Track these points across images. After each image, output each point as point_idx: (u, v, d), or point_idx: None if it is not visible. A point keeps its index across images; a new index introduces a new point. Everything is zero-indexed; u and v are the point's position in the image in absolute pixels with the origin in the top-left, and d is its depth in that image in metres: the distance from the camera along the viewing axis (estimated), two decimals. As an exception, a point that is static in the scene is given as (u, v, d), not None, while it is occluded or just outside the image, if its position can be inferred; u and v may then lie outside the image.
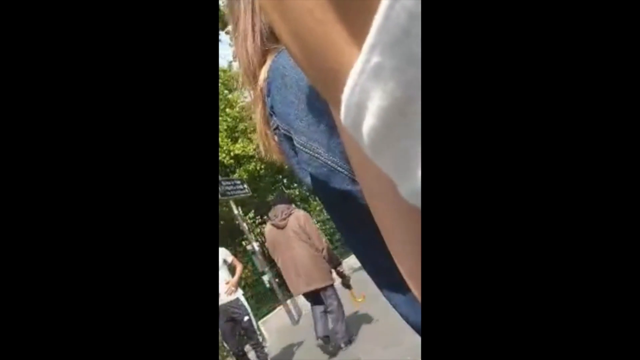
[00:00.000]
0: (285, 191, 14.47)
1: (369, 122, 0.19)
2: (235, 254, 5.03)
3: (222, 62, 15.03)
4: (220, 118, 12.70)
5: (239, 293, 4.53)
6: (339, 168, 0.48)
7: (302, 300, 8.11)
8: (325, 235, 4.44)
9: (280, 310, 7.64)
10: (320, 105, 0.48)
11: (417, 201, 0.20)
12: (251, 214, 11.92)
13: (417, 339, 0.43)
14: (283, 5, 0.21)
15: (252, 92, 0.60)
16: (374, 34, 0.17)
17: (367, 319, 4.83)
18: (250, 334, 4.49)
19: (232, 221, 11.56)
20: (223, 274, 4.45)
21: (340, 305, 4.48)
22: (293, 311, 7.60)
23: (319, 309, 4.55)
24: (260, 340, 4.67)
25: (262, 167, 13.63)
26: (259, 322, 5.27)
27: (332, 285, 4.50)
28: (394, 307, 0.57)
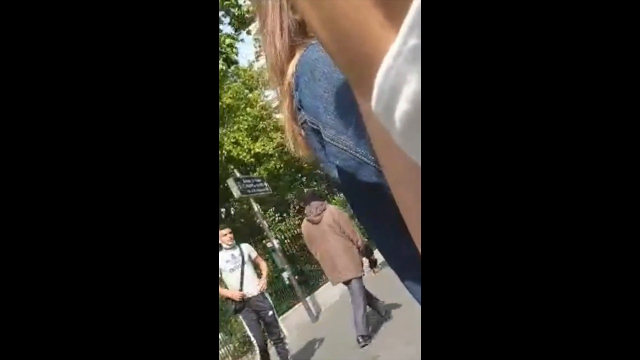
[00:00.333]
0: (305, 189, 14.49)
1: (402, 107, 0.19)
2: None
3: (243, 62, 15.09)
4: (241, 117, 12.77)
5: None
6: (367, 160, 0.49)
7: (321, 298, 8.12)
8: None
9: (299, 308, 7.67)
10: (350, 98, 0.49)
11: None
12: (271, 212, 11.98)
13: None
14: None
15: (279, 88, 0.61)
16: (412, 16, 0.17)
17: (388, 314, 4.82)
18: (272, 329, 4.53)
19: (252, 219, 11.62)
20: (248, 270, 4.49)
21: (364, 297, 4.55)
22: (312, 308, 7.62)
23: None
24: (282, 336, 4.70)
25: (282, 165, 13.67)
26: (279, 319, 5.30)
27: (360, 278, 4.60)
28: (418, 301, 0.58)
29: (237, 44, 8.86)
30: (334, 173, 0.55)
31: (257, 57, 9.37)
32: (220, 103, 10.92)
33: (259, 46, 9.13)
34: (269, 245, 8.27)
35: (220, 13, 8.72)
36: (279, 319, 5.47)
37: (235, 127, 12.57)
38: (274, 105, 15.78)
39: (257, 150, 12.71)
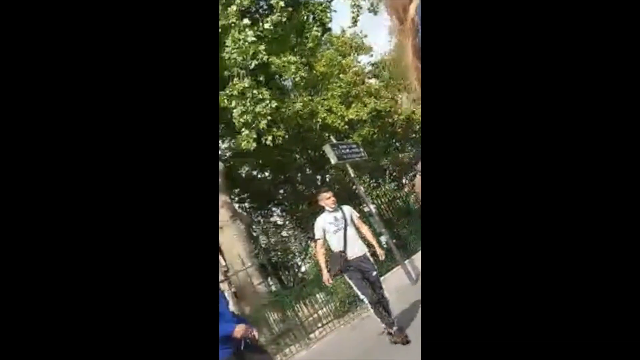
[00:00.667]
0: (399, 155, 14.32)
1: None
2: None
3: (336, 28, 15.03)
4: (334, 84, 12.80)
5: (365, 249, 4.68)
6: None
7: (419, 262, 8.10)
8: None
9: (398, 270, 7.73)
10: None
11: None
12: (366, 178, 12.01)
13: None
14: None
15: (399, 28, 0.61)
16: None
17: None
18: (376, 289, 4.65)
19: (348, 185, 11.75)
20: (350, 232, 4.61)
21: None
22: (411, 271, 7.66)
23: None
24: (386, 295, 4.81)
25: (376, 131, 13.58)
26: (380, 281, 5.40)
27: None
28: None
29: (330, 12, 8.85)
30: None
31: (354, 21, 9.21)
32: (314, 71, 11.00)
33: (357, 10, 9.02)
34: (366, 210, 8.36)
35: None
36: (380, 281, 5.56)
37: (329, 95, 12.64)
38: (366, 70, 15.61)
39: (350, 116, 12.72)
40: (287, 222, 16.55)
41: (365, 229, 4.90)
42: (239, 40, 7.19)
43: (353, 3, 8.89)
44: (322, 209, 4.77)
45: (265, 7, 8.62)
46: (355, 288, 4.60)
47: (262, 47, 7.35)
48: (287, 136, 8.82)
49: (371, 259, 4.72)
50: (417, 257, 8.14)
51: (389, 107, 13.51)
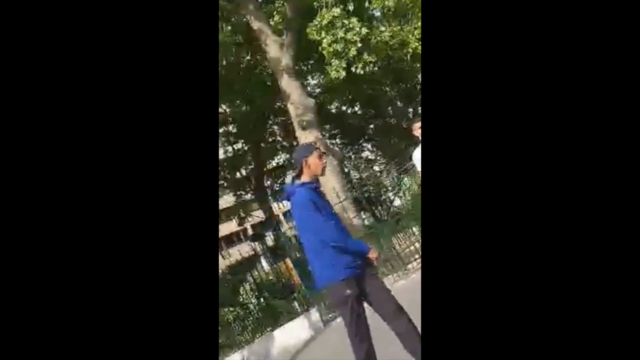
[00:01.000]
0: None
1: None
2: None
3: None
4: (425, 8, 12.10)
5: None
6: None
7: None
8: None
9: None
10: None
11: None
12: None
13: None
14: None
15: None
16: None
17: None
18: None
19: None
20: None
21: None
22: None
23: None
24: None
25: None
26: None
27: None
28: None
29: None
30: None
31: None
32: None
33: None
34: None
35: None
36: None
37: (420, 24, 12.00)
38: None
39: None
40: (378, 157, 16.47)
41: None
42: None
43: None
44: (416, 141, 4.59)
45: None
46: None
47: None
48: (377, 64, 8.53)
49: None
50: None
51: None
